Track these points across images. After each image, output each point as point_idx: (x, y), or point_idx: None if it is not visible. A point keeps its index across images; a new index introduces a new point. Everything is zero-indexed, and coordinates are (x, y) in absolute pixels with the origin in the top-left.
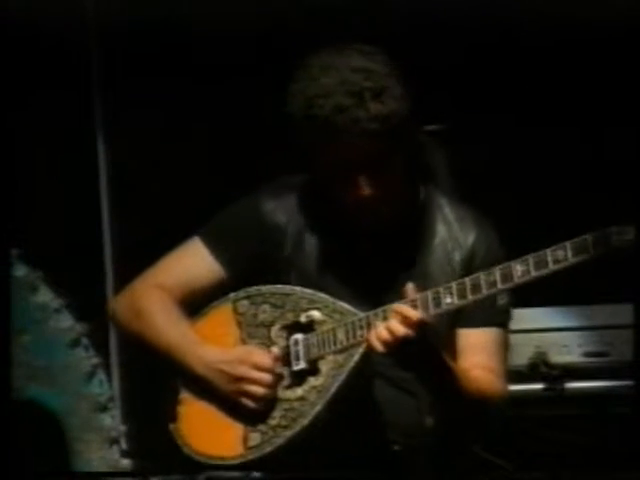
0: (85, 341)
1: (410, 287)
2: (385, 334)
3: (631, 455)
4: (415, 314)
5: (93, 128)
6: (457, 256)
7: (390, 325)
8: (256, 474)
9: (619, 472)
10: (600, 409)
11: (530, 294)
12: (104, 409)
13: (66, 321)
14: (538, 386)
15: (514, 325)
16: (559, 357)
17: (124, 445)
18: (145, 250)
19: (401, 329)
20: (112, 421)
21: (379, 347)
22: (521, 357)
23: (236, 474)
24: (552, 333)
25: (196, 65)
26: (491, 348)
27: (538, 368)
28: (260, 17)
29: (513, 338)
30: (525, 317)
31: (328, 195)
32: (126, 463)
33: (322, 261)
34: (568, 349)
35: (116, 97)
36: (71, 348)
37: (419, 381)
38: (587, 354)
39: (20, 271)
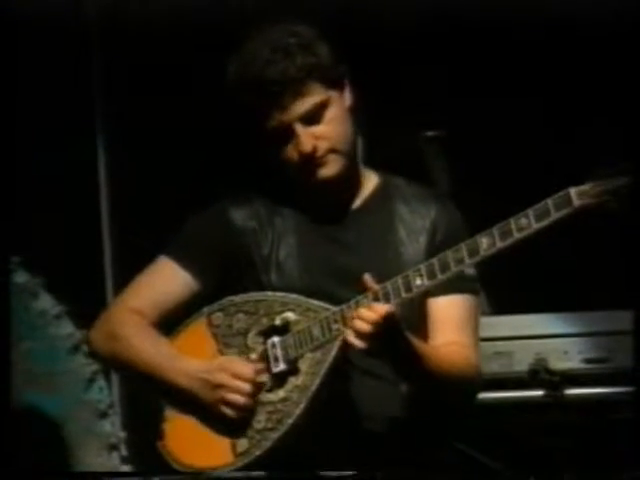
0: (85, 348)
1: (367, 277)
2: (358, 324)
3: (631, 462)
4: (384, 309)
5: (93, 134)
6: (420, 227)
7: (360, 314)
8: (256, 474)
9: (619, 478)
10: (600, 415)
11: (531, 300)
12: (104, 415)
13: (66, 328)
14: (538, 392)
15: (515, 331)
16: (559, 363)
17: (124, 451)
18: (145, 257)
19: (372, 315)
20: (112, 427)
21: (354, 341)
22: (521, 363)
23: (236, 474)
24: (552, 339)
25: (197, 68)
26: (463, 317)
27: (538, 374)
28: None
29: (513, 344)
30: (525, 323)
31: (287, 176)
32: (126, 470)
33: (301, 253)
34: (568, 355)
35: (117, 101)
36: (71, 354)
37: (395, 370)
38: (587, 360)
39: (21, 278)
